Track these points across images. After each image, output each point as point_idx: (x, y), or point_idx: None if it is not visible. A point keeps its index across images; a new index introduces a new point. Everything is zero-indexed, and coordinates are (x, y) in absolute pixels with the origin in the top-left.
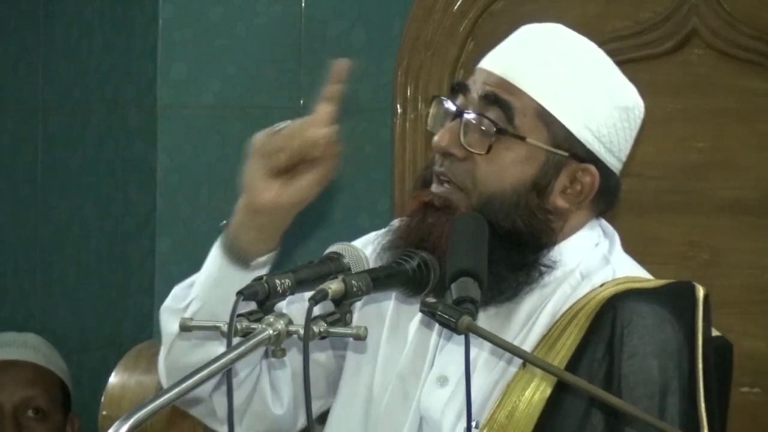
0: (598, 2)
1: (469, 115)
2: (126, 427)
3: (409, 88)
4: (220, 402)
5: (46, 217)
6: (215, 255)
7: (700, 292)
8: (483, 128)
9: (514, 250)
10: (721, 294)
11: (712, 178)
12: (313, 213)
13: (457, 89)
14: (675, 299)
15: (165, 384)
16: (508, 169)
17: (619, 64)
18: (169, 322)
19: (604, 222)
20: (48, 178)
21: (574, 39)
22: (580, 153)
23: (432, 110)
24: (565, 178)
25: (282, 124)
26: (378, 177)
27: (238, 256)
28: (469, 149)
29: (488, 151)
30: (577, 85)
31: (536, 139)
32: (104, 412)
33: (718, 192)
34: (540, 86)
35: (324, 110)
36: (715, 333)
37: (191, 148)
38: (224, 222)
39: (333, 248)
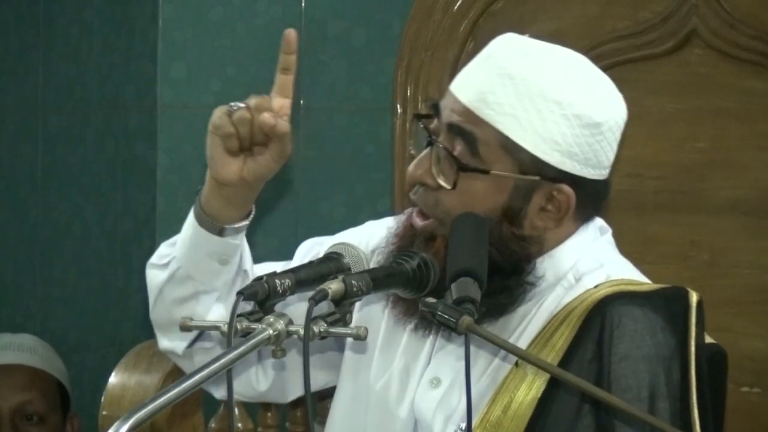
0: (598, 2)
1: (438, 147)
2: (126, 427)
3: (409, 88)
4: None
5: (46, 217)
6: (191, 218)
7: (694, 297)
8: (450, 162)
9: (491, 277)
10: (721, 294)
11: (712, 178)
12: (314, 213)
13: (433, 111)
14: (668, 305)
15: (159, 337)
16: (476, 200)
17: (619, 64)
18: (153, 276)
19: (599, 220)
20: (48, 178)
21: (540, 57)
22: (551, 174)
23: (413, 129)
24: (541, 199)
25: (237, 105)
26: (378, 177)
27: (209, 222)
28: (438, 181)
29: (454, 187)
30: (539, 111)
31: (501, 169)
32: (104, 412)
33: (718, 192)
34: (501, 116)
35: (281, 82)
36: (709, 340)
37: (191, 148)
38: (200, 187)
39: (333, 248)
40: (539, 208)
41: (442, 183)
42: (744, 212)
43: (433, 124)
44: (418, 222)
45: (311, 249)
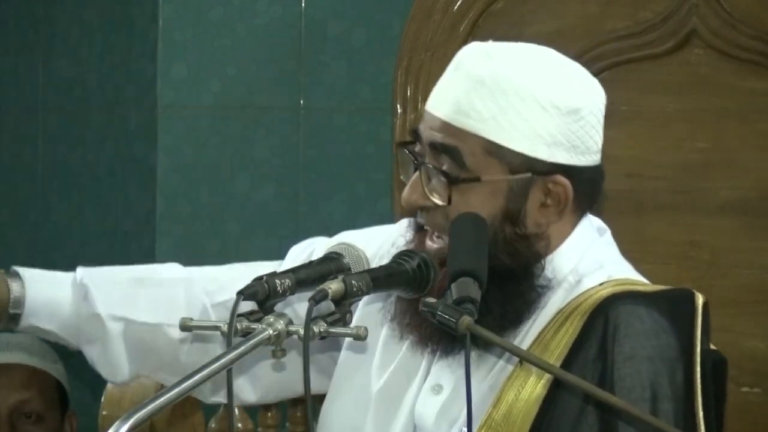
0: (598, 2)
1: (425, 167)
2: (126, 427)
3: (409, 88)
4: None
5: (46, 217)
6: None
7: (700, 300)
8: (440, 179)
9: (506, 284)
10: (721, 294)
11: (712, 178)
12: (314, 213)
13: (414, 137)
14: (674, 306)
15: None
16: (476, 209)
17: (619, 64)
18: None
19: (594, 219)
20: (48, 178)
21: (506, 56)
22: (542, 169)
23: (399, 158)
24: (538, 195)
25: None
26: (378, 177)
27: None
28: (433, 200)
29: (449, 202)
30: (517, 109)
31: (492, 174)
32: (104, 412)
33: (718, 192)
34: (480, 122)
35: None
36: (710, 347)
37: (191, 148)
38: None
39: (333, 248)
40: (539, 204)
41: (437, 201)
42: (744, 212)
43: (418, 148)
44: (433, 246)
45: (305, 249)
